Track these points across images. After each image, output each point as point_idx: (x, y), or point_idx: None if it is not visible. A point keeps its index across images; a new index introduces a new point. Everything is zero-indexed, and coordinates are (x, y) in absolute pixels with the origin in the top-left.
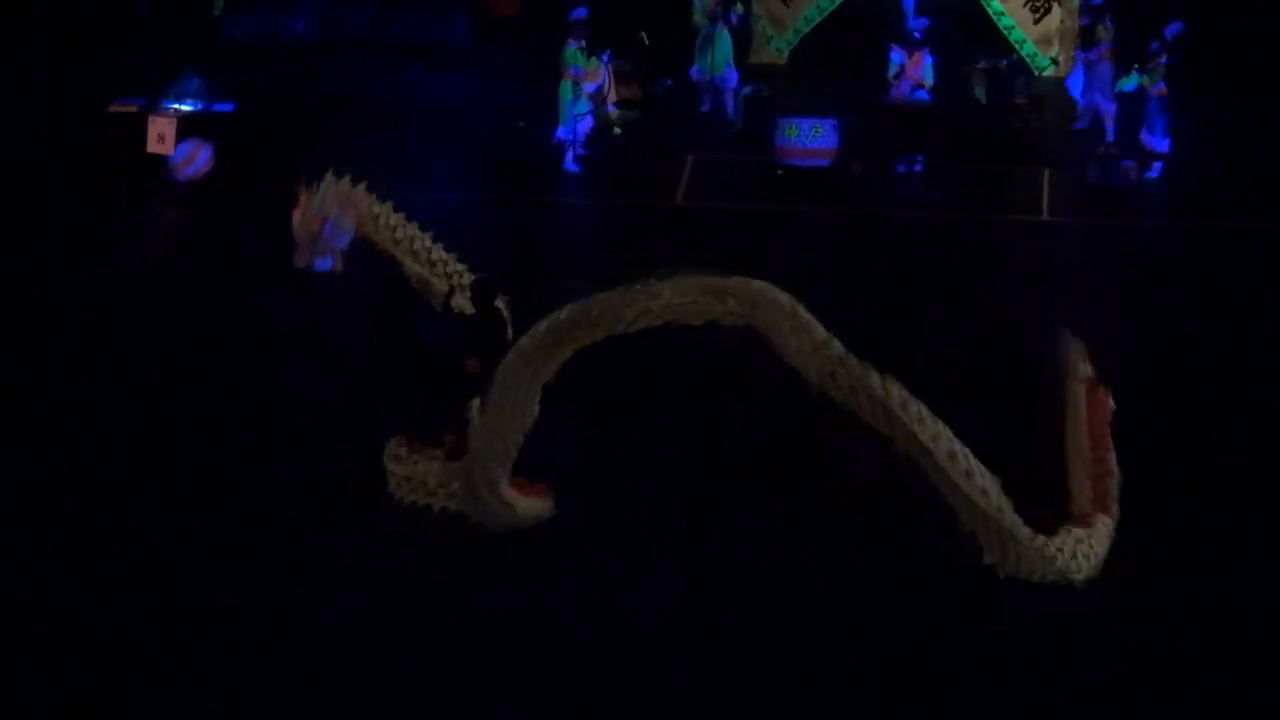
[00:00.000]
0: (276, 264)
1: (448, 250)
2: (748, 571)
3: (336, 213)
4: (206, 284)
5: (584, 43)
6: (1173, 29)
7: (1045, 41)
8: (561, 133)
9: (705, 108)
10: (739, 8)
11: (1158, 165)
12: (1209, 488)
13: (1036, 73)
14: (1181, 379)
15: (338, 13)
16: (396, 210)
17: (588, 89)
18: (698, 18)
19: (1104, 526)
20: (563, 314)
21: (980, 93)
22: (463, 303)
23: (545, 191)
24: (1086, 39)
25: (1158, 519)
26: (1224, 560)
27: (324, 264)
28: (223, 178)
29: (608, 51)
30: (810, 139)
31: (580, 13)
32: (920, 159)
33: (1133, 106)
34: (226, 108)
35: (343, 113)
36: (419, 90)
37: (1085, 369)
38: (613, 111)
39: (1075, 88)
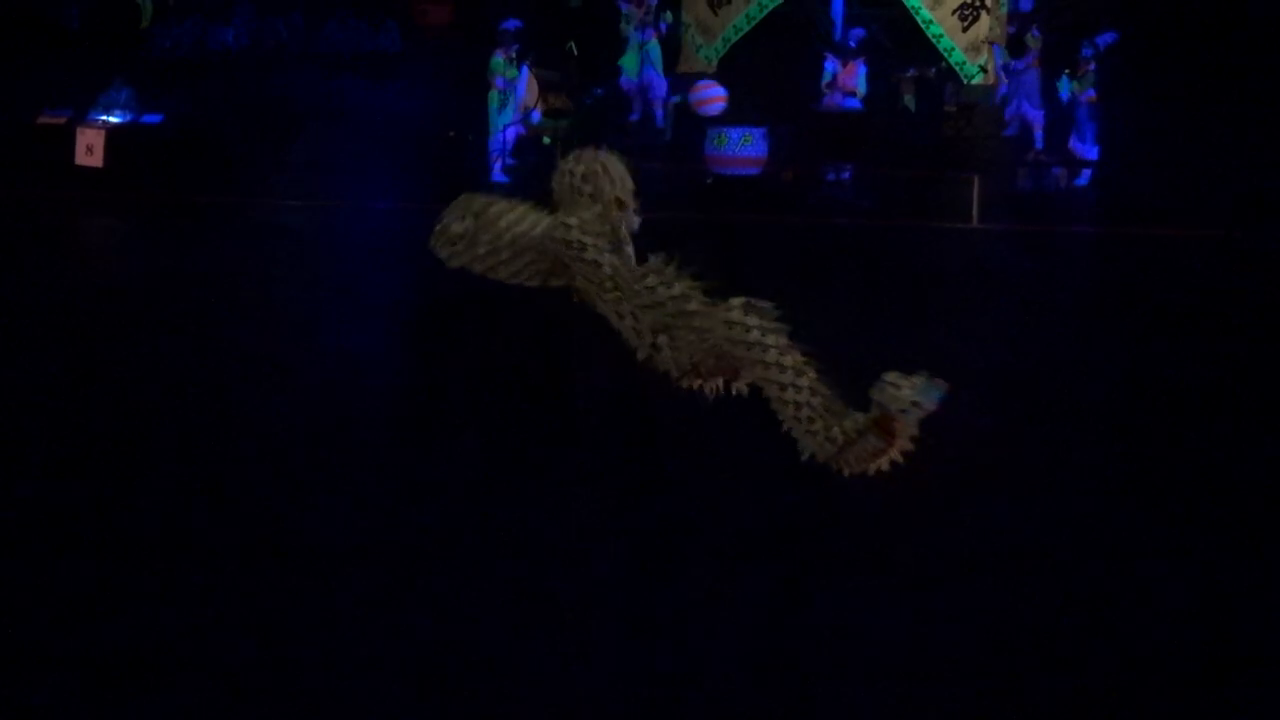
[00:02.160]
0: (209, 276)
1: None
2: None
3: None
4: (138, 296)
5: (512, 53)
6: (1106, 38)
7: (974, 49)
8: (490, 143)
9: (635, 117)
10: (668, 16)
11: (1086, 172)
12: (1134, 492)
13: (965, 80)
14: (1108, 383)
15: (267, 23)
16: None
17: (515, 98)
18: (626, 26)
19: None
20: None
21: (910, 101)
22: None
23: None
24: (1015, 47)
25: (1081, 527)
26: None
27: None
28: (152, 189)
29: (525, 62)
30: (739, 147)
31: (510, 23)
32: (850, 167)
33: (1062, 113)
34: (155, 119)
35: (273, 123)
36: (349, 100)
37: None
38: (537, 121)
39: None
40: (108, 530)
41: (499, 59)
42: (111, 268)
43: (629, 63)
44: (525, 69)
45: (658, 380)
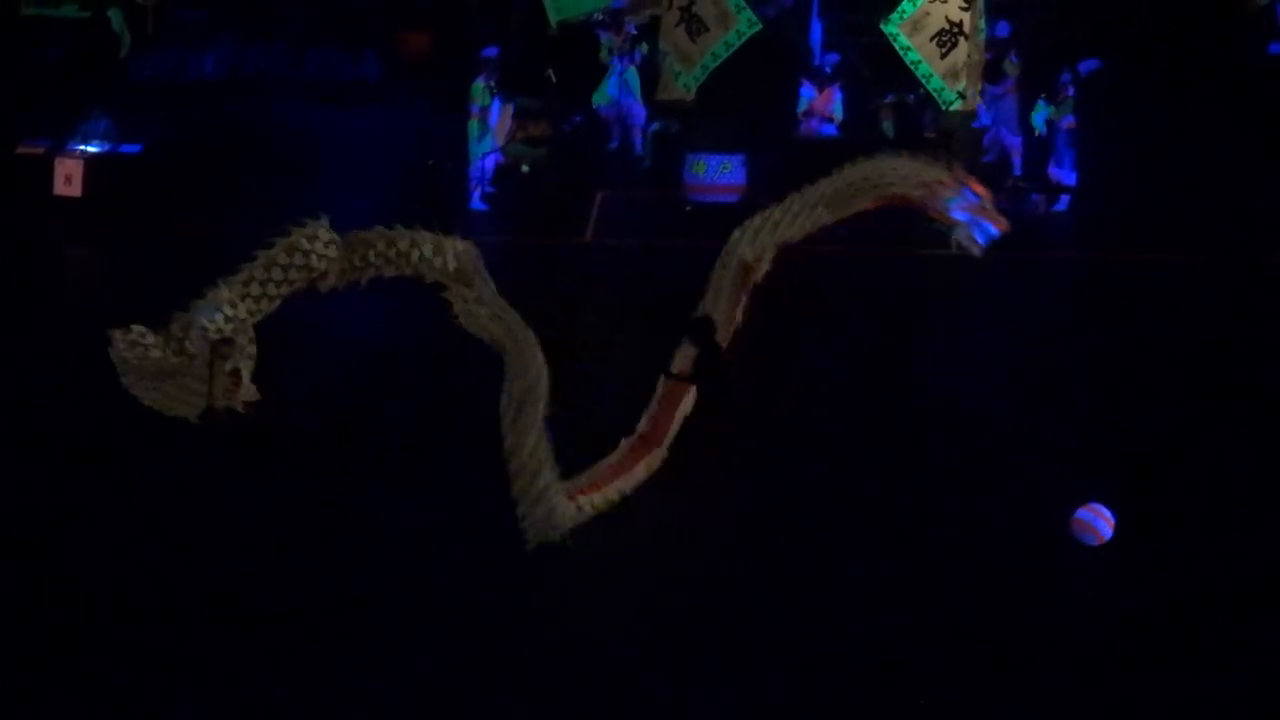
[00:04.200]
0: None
1: None
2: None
3: None
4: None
5: (493, 81)
6: (1088, 65)
7: (952, 76)
8: (470, 171)
9: (614, 144)
10: (643, 47)
11: (1065, 198)
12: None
13: (944, 107)
14: (1088, 409)
15: (247, 52)
16: None
17: (492, 126)
18: (605, 54)
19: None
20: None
21: (888, 127)
22: None
23: (454, 229)
24: (993, 73)
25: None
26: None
27: None
28: (131, 218)
29: (498, 95)
30: (718, 175)
31: (490, 51)
32: None
33: (1040, 139)
34: (134, 149)
35: (252, 152)
36: (329, 129)
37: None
38: (515, 149)
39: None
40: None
41: (480, 86)
42: (89, 296)
43: (607, 90)
44: (498, 100)
45: None
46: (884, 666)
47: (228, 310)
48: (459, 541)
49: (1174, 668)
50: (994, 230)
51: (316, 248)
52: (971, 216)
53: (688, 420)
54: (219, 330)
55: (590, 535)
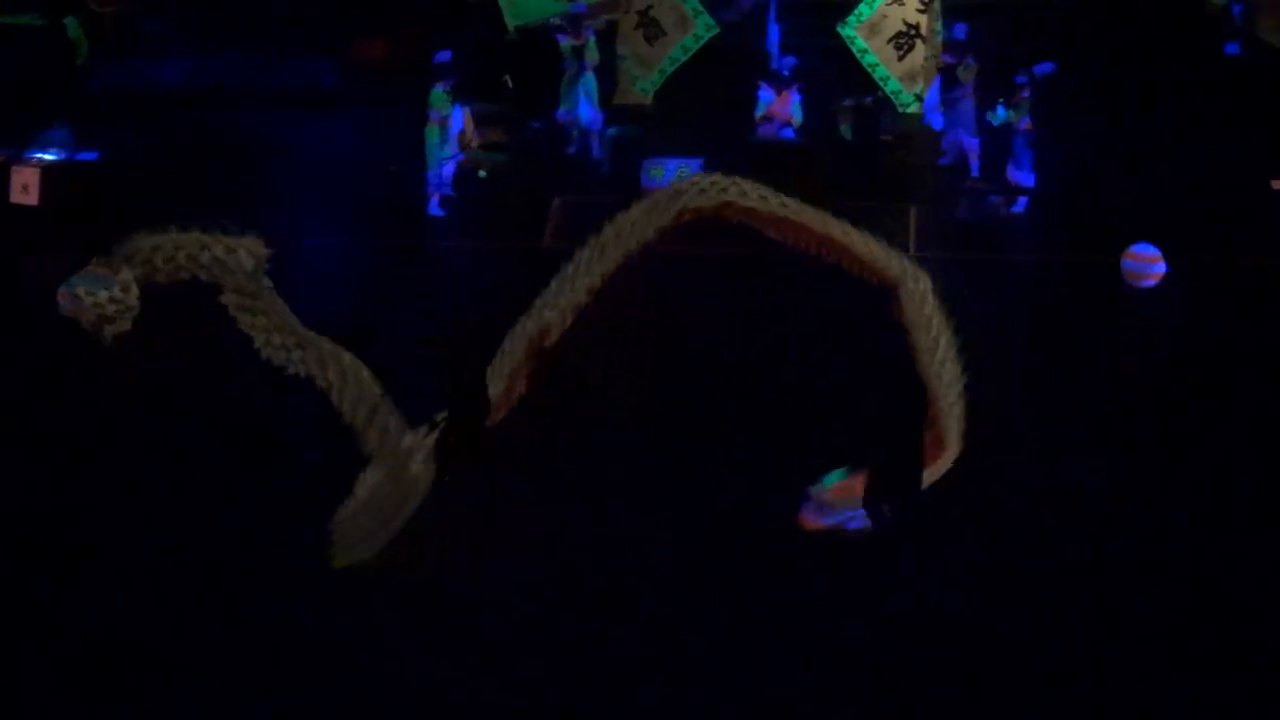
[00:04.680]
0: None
1: None
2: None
3: None
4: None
5: (451, 86)
6: (1043, 68)
7: (910, 78)
8: (429, 176)
9: (572, 150)
10: (594, 55)
11: (1023, 200)
12: (1064, 529)
13: (901, 109)
14: (1043, 411)
15: (205, 61)
16: None
17: (451, 133)
18: (563, 59)
19: None
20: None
21: (846, 130)
22: None
23: (412, 235)
24: (950, 76)
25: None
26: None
27: None
28: (89, 227)
29: (459, 103)
30: (676, 179)
31: (444, 55)
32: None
33: (999, 142)
34: (91, 156)
35: (210, 161)
36: (288, 137)
37: None
38: (474, 154)
39: (935, 117)
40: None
41: (438, 92)
42: (47, 306)
43: (565, 96)
44: (457, 107)
45: None
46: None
47: (117, 292)
48: None
49: (1156, 673)
50: None
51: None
52: None
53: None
54: (98, 305)
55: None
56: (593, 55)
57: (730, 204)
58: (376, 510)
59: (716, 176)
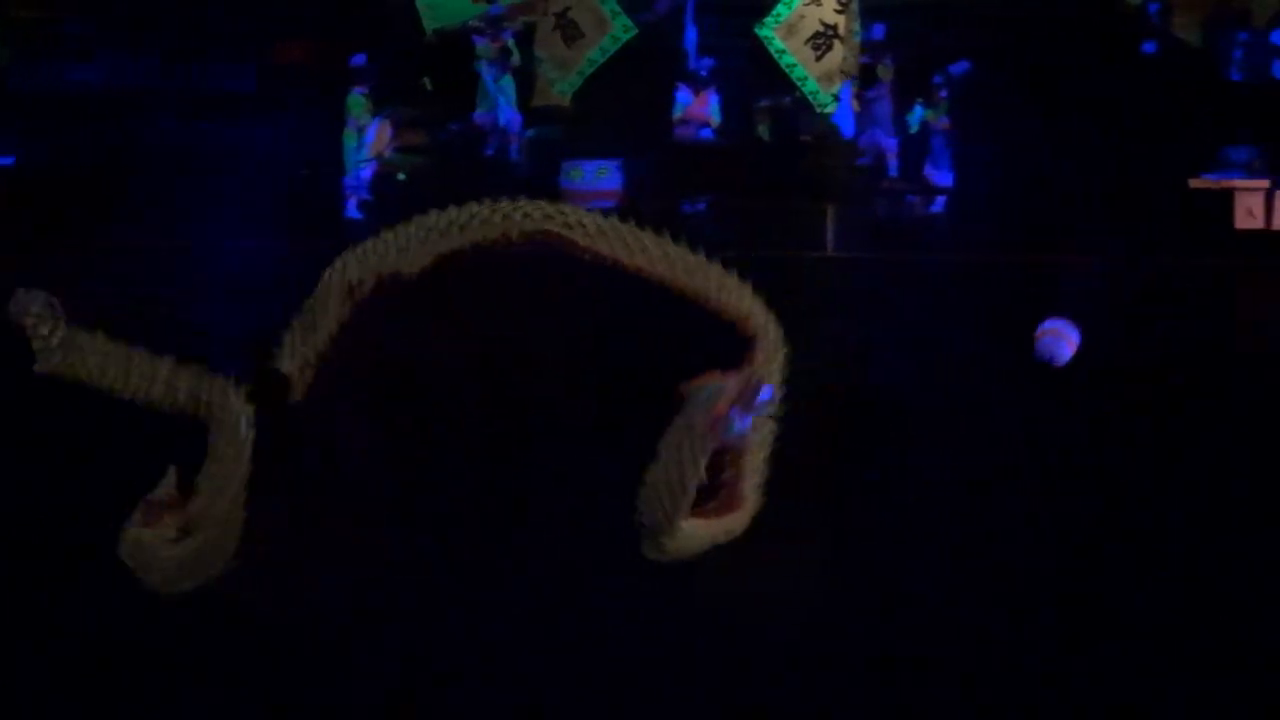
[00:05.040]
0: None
1: None
2: None
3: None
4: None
5: (368, 90)
6: (959, 67)
7: (828, 79)
8: (346, 180)
9: (490, 152)
10: (515, 57)
11: (941, 199)
12: (978, 524)
13: (819, 110)
14: (961, 409)
15: (126, 63)
16: None
17: (369, 137)
18: (480, 61)
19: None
20: None
21: (764, 131)
22: None
23: (330, 239)
24: (867, 76)
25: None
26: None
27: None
28: (3, 232)
29: (376, 103)
30: (595, 180)
31: (360, 59)
32: (705, 198)
33: (916, 141)
34: (7, 161)
35: (129, 164)
36: (207, 141)
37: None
38: (390, 159)
39: (846, 124)
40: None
41: (356, 96)
42: None
43: (483, 98)
44: (375, 110)
45: None
46: None
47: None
48: None
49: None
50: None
51: None
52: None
53: None
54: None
55: None
56: (511, 57)
57: (550, 233)
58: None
59: (508, 205)
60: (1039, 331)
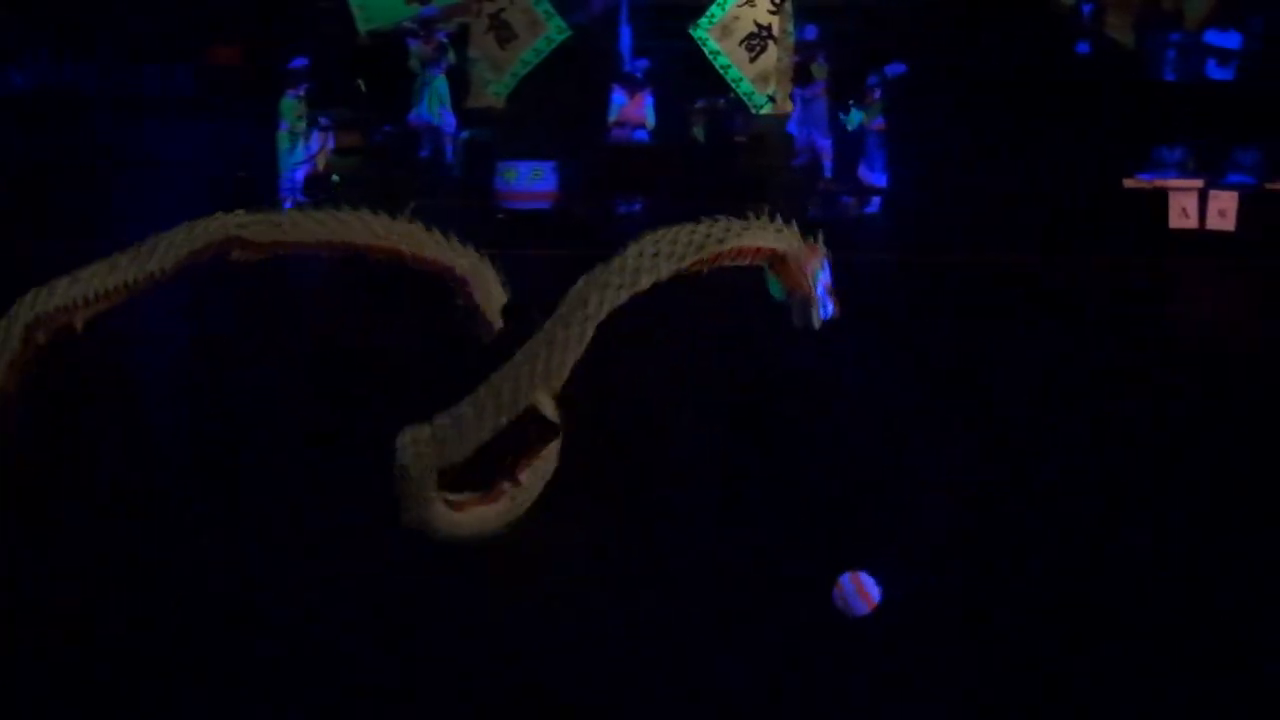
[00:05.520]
0: None
1: None
2: None
3: None
4: None
5: (302, 93)
6: (894, 68)
7: (762, 80)
8: (281, 183)
9: (425, 153)
10: (451, 56)
11: (876, 199)
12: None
13: (754, 111)
14: (892, 407)
15: (58, 67)
16: None
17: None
18: (415, 63)
19: None
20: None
21: (699, 132)
22: None
23: None
24: (802, 77)
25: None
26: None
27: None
28: None
29: (310, 105)
30: (530, 182)
31: (299, 62)
32: (640, 200)
33: (851, 142)
34: None
35: (63, 168)
36: (142, 144)
37: None
38: (327, 159)
39: (794, 125)
40: None
41: (290, 99)
42: None
43: (418, 99)
44: (309, 112)
45: None
46: None
47: None
48: None
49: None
50: (833, 311)
51: None
52: (825, 293)
53: None
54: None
55: None
56: (448, 55)
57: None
58: None
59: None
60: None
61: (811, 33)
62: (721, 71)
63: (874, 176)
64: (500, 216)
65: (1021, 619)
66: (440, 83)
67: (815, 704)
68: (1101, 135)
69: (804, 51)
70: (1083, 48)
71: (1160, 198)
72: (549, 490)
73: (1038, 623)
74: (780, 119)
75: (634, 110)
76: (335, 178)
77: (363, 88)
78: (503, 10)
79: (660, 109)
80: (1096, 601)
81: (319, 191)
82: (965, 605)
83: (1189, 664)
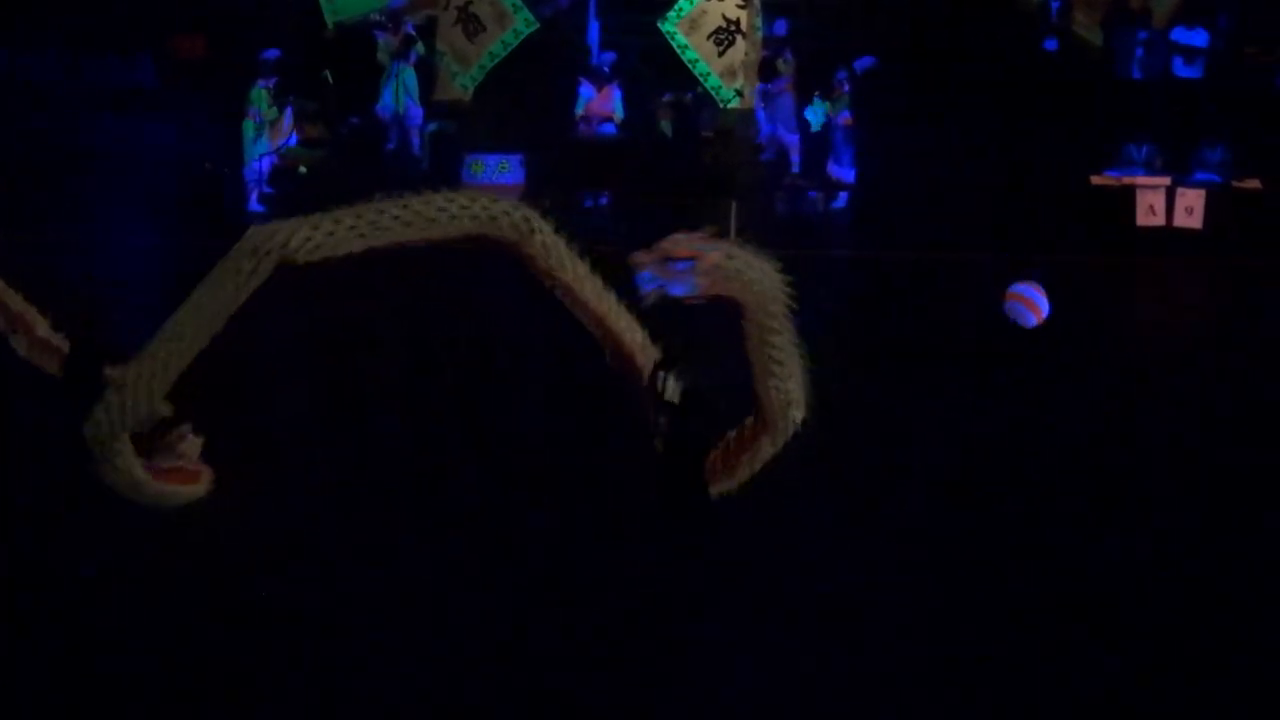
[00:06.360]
0: None
1: None
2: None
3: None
4: None
5: (271, 84)
6: (863, 62)
7: (730, 74)
8: (246, 173)
9: (391, 145)
10: (419, 48)
11: (844, 194)
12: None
13: (721, 105)
14: (866, 403)
15: (22, 59)
16: None
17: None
18: (382, 55)
19: None
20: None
21: (666, 126)
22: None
23: (232, 232)
24: (768, 71)
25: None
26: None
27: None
28: None
29: (278, 96)
30: (496, 175)
31: (271, 53)
32: (607, 193)
33: (818, 137)
34: None
35: (28, 160)
36: (107, 136)
37: None
38: (294, 150)
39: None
40: None
41: (260, 89)
42: None
43: (385, 91)
44: (277, 103)
45: None
46: None
47: None
48: None
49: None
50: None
51: None
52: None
53: None
54: None
55: None
56: (416, 47)
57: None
58: None
59: None
60: (1008, 293)
61: (780, 27)
62: (689, 65)
63: (841, 171)
64: None
65: (985, 624)
66: (408, 75)
67: None
68: (1069, 132)
69: (772, 47)
70: (1051, 45)
71: (1128, 195)
72: None
73: (1002, 623)
74: (747, 114)
75: (601, 104)
76: (301, 169)
77: (329, 79)
78: (471, 3)
79: (628, 103)
80: (1070, 604)
81: (284, 181)
82: (932, 605)
83: (1181, 665)
